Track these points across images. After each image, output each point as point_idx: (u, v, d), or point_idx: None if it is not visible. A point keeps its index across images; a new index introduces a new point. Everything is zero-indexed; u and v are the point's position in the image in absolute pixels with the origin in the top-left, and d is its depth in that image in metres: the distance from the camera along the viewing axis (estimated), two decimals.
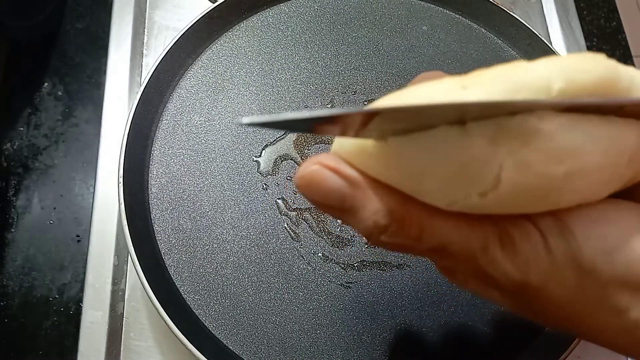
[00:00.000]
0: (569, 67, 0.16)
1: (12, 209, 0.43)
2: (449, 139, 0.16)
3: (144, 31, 0.48)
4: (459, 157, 0.16)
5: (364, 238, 0.34)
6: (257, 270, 0.37)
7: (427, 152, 0.17)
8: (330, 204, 0.19)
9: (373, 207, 0.18)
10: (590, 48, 0.52)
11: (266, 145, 0.41)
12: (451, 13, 0.47)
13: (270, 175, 0.40)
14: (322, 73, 0.44)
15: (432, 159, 0.17)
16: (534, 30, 0.44)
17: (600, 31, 0.54)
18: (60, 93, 0.47)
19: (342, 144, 0.19)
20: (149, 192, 0.39)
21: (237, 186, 0.40)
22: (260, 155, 0.41)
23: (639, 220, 0.18)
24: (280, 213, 0.39)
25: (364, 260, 0.38)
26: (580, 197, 0.18)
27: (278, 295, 0.37)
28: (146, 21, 0.49)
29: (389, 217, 0.18)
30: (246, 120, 0.15)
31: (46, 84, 0.48)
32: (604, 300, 0.18)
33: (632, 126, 0.17)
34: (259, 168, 0.40)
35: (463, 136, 0.16)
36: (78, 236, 0.42)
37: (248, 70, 0.43)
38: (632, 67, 0.17)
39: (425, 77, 0.21)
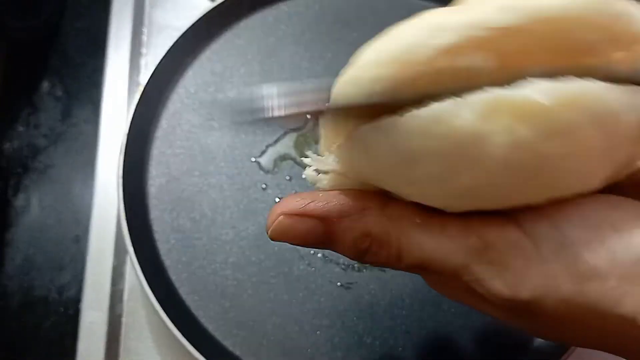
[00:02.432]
0: None
1: (12, 209, 0.43)
2: (441, 117, 0.15)
3: (144, 31, 0.48)
4: (452, 136, 0.15)
5: None
6: (257, 270, 0.37)
7: (418, 134, 0.16)
8: (309, 244, 0.19)
9: (350, 235, 0.18)
10: None
11: (266, 146, 0.41)
12: None
13: (270, 175, 0.40)
14: (322, 73, 0.44)
15: (423, 141, 0.16)
16: None
17: None
18: (59, 93, 0.47)
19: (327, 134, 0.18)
20: (149, 192, 0.39)
21: (237, 186, 0.39)
22: (259, 156, 0.41)
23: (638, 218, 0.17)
24: None
25: None
26: (577, 180, 0.17)
27: (278, 296, 0.36)
28: (145, 20, 0.48)
29: (367, 240, 0.18)
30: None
31: (45, 83, 0.48)
32: (608, 306, 0.17)
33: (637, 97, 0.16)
34: (258, 168, 0.40)
35: (455, 114, 0.15)
36: (77, 236, 0.42)
37: (248, 70, 0.43)
38: None
39: None
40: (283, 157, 0.41)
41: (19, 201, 0.43)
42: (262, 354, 0.35)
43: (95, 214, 0.41)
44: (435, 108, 0.15)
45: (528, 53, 0.15)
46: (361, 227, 0.18)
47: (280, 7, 0.46)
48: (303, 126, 0.42)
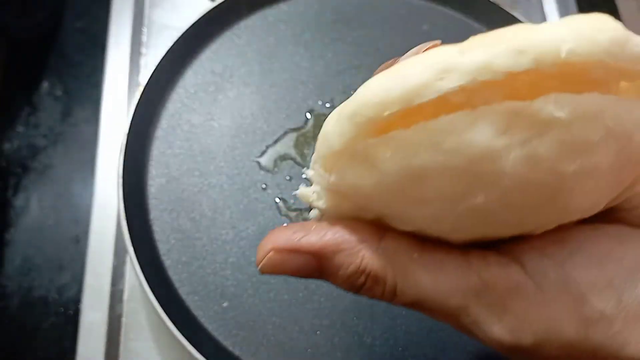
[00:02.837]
0: (579, 27, 0.14)
1: (11, 209, 0.43)
2: (452, 129, 0.14)
3: (143, 30, 0.48)
4: (465, 151, 0.14)
5: None
6: (257, 270, 0.37)
7: (427, 148, 0.15)
8: (302, 277, 0.18)
9: (344, 271, 0.17)
10: None
11: (266, 146, 0.41)
12: (452, 12, 0.47)
13: (270, 175, 0.40)
14: (322, 73, 0.44)
15: (433, 156, 0.15)
16: None
17: None
18: (59, 93, 0.47)
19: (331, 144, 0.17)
20: (148, 192, 0.39)
21: (236, 186, 0.39)
22: (259, 156, 0.41)
23: None
24: (280, 213, 0.39)
25: None
26: (589, 202, 0.16)
27: (278, 296, 0.36)
28: (145, 20, 0.48)
29: (362, 277, 0.17)
30: None
31: (45, 83, 0.48)
32: (613, 349, 0.16)
33: None
34: (258, 168, 0.40)
35: (468, 126, 0.14)
36: (77, 236, 0.42)
37: (248, 70, 0.43)
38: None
39: (421, 49, 0.19)
40: (283, 157, 0.41)
41: (19, 201, 0.43)
42: (262, 354, 0.35)
43: (95, 214, 0.41)
44: (446, 119, 0.14)
45: (537, 87, 0.14)
46: (356, 263, 0.17)
47: (280, 7, 0.46)
48: (303, 126, 0.42)
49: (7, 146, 0.45)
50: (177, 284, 0.36)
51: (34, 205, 0.43)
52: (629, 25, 0.15)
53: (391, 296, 0.17)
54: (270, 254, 0.18)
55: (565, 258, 0.17)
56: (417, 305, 0.17)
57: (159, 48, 0.46)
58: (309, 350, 0.35)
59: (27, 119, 0.46)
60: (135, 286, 0.39)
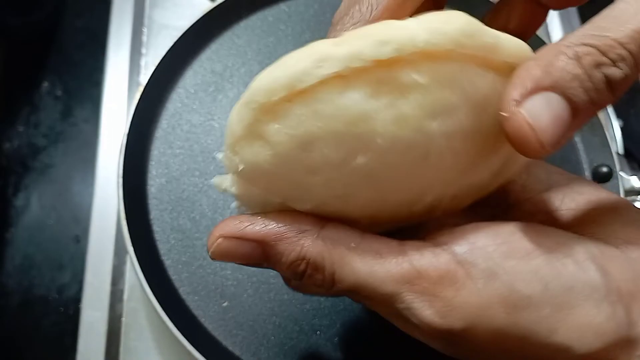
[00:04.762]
0: (433, 21, 0.16)
1: (12, 209, 0.43)
2: (328, 98, 0.16)
3: (144, 30, 0.48)
4: (341, 115, 0.16)
5: None
6: (257, 270, 0.37)
7: (308, 117, 0.17)
8: (250, 265, 0.19)
9: (287, 258, 0.19)
10: None
11: None
12: None
13: None
14: None
15: (314, 122, 0.17)
16: None
17: None
18: (59, 92, 0.47)
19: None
20: (149, 192, 0.39)
21: None
22: None
23: (555, 243, 0.18)
24: None
25: None
26: (463, 163, 0.18)
27: (278, 296, 0.36)
28: (145, 20, 0.48)
29: (303, 264, 0.18)
30: None
31: (45, 83, 0.48)
32: (543, 335, 0.17)
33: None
34: None
35: (344, 94, 0.16)
36: (77, 236, 0.42)
37: (248, 70, 0.43)
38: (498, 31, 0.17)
39: None
40: None
41: (19, 200, 0.43)
42: (262, 354, 0.35)
43: (95, 214, 0.41)
44: (321, 90, 0.16)
45: (402, 60, 0.16)
46: (297, 251, 0.18)
47: (280, 7, 0.46)
48: None
49: (7, 145, 0.45)
50: (177, 284, 0.36)
51: (34, 205, 0.43)
52: None
53: (330, 283, 0.19)
54: (219, 240, 0.19)
55: (495, 249, 0.18)
56: (354, 291, 0.19)
57: (159, 48, 0.46)
58: (309, 350, 0.35)
59: (28, 119, 0.46)
60: (135, 286, 0.39)
